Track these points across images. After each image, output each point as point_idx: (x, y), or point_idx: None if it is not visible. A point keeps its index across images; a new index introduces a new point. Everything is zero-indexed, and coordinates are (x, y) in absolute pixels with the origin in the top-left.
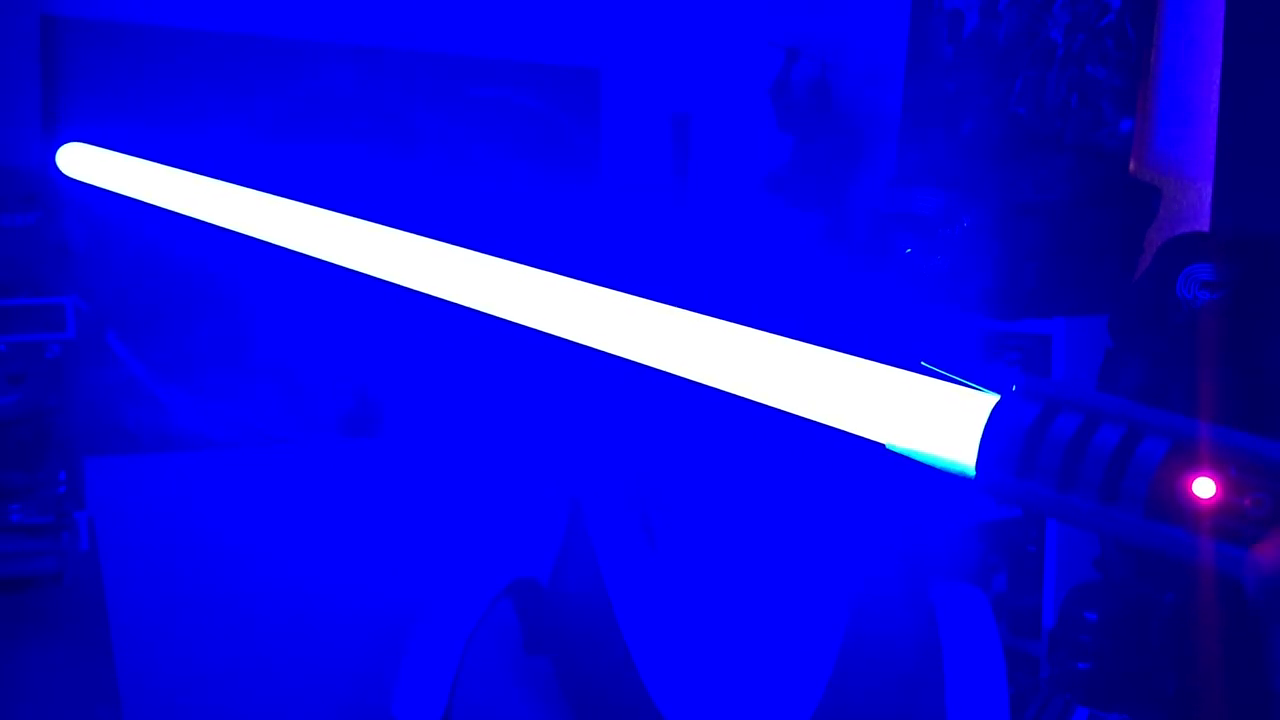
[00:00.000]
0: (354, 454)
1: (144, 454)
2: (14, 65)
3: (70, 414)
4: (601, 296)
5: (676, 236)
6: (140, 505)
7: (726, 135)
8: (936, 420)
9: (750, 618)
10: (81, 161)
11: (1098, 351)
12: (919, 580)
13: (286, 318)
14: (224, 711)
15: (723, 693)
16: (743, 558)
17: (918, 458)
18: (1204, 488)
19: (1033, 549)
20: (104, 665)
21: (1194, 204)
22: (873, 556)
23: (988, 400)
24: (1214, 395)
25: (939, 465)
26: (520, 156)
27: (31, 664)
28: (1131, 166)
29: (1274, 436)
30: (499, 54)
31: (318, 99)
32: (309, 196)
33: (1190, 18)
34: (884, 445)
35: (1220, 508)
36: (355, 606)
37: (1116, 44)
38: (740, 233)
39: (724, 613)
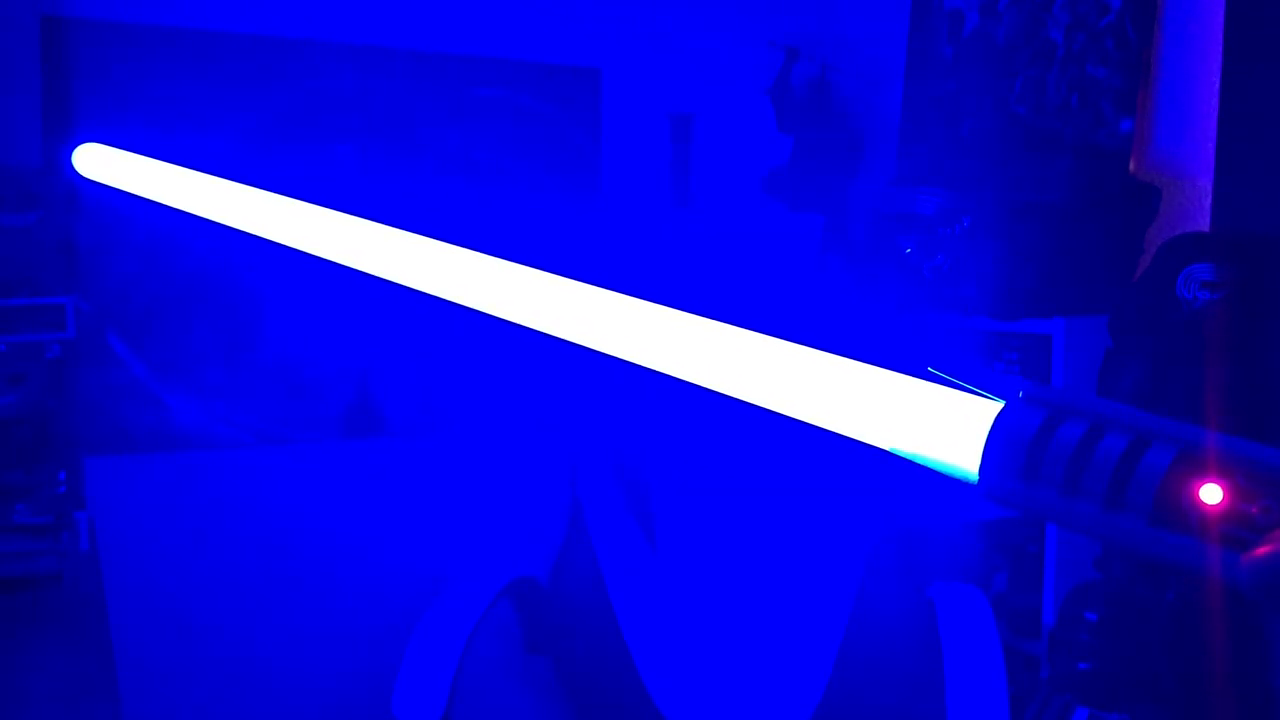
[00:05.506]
0: (355, 454)
1: (144, 454)
2: (14, 65)
3: (70, 414)
4: (600, 298)
5: (677, 237)
6: (140, 505)
7: (726, 135)
8: (941, 426)
9: (750, 617)
10: (97, 162)
11: (1098, 351)
12: (919, 580)
13: (287, 317)
14: (224, 711)
15: (723, 692)
16: (743, 558)
17: (921, 463)
18: (1211, 494)
19: (1033, 549)
20: (104, 665)
21: (1194, 204)
22: (873, 556)
23: (992, 407)
24: (1214, 395)
25: (943, 471)
26: (520, 156)
27: (31, 664)
28: (1131, 166)
29: (1274, 434)
30: (499, 54)
31: (318, 99)
32: (311, 195)
33: (1190, 18)
34: (887, 450)
35: (1227, 515)
36: (355, 606)
37: (1116, 44)
38: (740, 233)
39: (724, 612)
